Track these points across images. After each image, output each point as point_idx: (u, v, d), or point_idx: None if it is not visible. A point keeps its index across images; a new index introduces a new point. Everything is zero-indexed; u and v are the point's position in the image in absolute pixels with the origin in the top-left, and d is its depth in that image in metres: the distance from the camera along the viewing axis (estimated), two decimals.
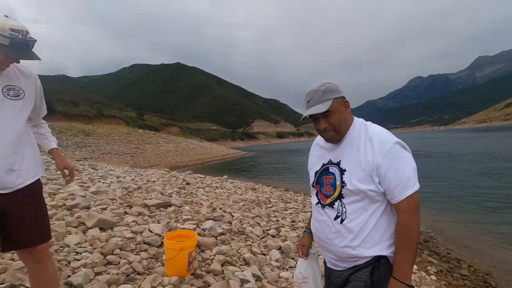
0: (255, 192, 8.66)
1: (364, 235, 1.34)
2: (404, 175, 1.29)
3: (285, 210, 6.76)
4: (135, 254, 2.88)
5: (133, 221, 3.61)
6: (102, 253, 2.75)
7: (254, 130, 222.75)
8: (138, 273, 2.58)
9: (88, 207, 3.79)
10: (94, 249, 2.83)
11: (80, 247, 2.85)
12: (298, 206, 7.41)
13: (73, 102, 56.43)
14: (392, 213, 1.37)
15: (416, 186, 1.30)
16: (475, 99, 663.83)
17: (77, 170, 7.01)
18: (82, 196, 4.23)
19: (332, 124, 1.38)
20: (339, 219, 1.37)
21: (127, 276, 2.47)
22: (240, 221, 4.72)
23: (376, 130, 1.39)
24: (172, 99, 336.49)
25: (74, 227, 3.20)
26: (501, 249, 5.62)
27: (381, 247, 1.34)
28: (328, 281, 1.54)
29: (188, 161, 29.41)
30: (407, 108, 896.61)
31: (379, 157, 1.30)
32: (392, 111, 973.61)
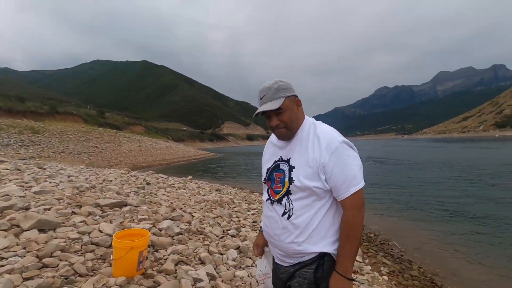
0: (219, 193, 8.59)
1: (309, 231, 1.36)
2: (350, 173, 1.32)
3: (248, 211, 6.75)
4: (79, 256, 2.68)
5: (81, 221, 3.38)
6: (37, 256, 2.49)
7: (224, 132, 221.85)
8: (80, 275, 2.40)
9: (26, 208, 3.44)
10: (28, 252, 2.54)
11: (9, 251, 2.52)
12: (261, 207, 7.41)
13: (19, 97, 52.65)
14: (338, 211, 1.40)
15: (361, 184, 1.34)
16: (436, 111, 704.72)
17: (18, 170, 6.46)
18: (20, 196, 3.85)
19: (284, 122, 1.41)
20: (286, 215, 1.39)
21: (66, 278, 2.28)
22: (200, 221, 4.64)
23: (324, 130, 1.42)
24: (138, 98, 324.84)
25: (3, 230, 2.85)
26: (450, 252, 5.97)
27: (326, 243, 1.38)
28: (275, 276, 1.58)
29: (152, 161, 28.64)
30: (373, 116, 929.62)
31: (325, 155, 1.33)
32: (359, 119, 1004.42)
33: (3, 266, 2.28)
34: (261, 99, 1.41)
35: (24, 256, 2.44)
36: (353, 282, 3.87)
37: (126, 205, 4.48)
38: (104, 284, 2.30)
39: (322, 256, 1.37)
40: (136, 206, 4.57)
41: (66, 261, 2.51)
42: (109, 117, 70.98)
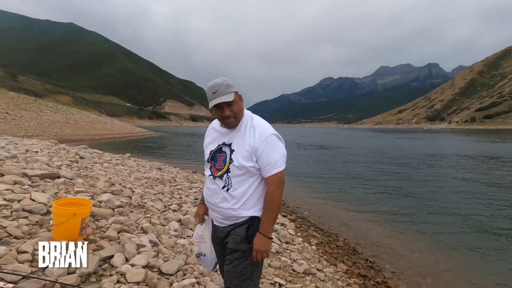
0: (161, 172, 8.51)
1: (243, 200, 1.73)
2: (274, 158, 1.68)
3: (190, 189, 6.86)
4: (11, 221, 2.61)
5: (6, 190, 3.22)
6: None
7: (166, 110, 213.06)
8: (15, 237, 2.37)
9: None
10: None
11: None
12: (203, 186, 7.50)
13: None
14: (265, 185, 1.75)
15: (281, 168, 1.70)
16: (375, 103, 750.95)
17: None
18: None
19: (234, 112, 1.71)
20: (225, 188, 1.74)
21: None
22: (141, 196, 4.66)
23: (259, 122, 1.77)
24: (63, 65, 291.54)
25: None
26: (372, 227, 6.85)
27: (256, 209, 1.75)
28: (214, 235, 1.92)
29: (82, 135, 26.92)
30: (317, 105, 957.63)
31: (258, 142, 1.68)
32: (304, 106, 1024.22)
33: None
34: (213, 93, 1.66)
35: None
36: (285, 249, 4.31)
37: (59, 177, 4.33)
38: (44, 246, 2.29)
39: (253, 219, 1.74)
40: (71, 179, 4.42)
41: None
42: (23, 81, 63.29)
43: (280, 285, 3.20)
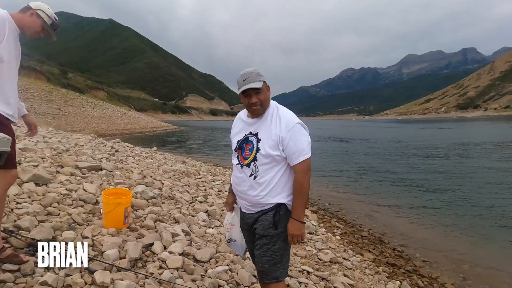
0: (185, 165, 8.86)
1: (270, 187, 1.82)
2: (300, 146, 1.76)
3: (213, 181, 7.16)
4: (73, 208, 2.97)
5: (66, 180, 3.61)
6: (41, 205, 2.79)
7: (187, 105, 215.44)
8: (78, 224, 2.71)
9: (19, 163, 3.64)
10: (33, 201, 2.84)
11: (19, 198, 2.85)
12: (225, 179, 7.87)
13: None
14: (291, 173, 1.85)
15: (308, 155, 1.78)
16: (400, 93, 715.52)
17: None
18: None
19: (261, 100, 1.79)
20: (252, 176, 1.84)
21: (69, 225, 2.61)
22: (170, 188, 4.96)
23: (284, 112, 1.86)
24: (102, 60, 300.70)
25: None
26: (398, 218, 6.91)
27: (282, 196, 1.84)
28: (242, 222, 2.04)
29: (114, 130, 27.92)
30: (337, 97, 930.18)
31: (284, 131, 1.76)
32: (323, 99, 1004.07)
33: (21, 209, 2.65)
34: (244, 80, 1.76)
35: (32, 204, 2.77)
36: (309, 239, 4.50)
37: (101, 169, 4.69)
38: (99, 232, 2.66)
39: (279, 205, 1.83)
40: (111, 171, 4.78)
41: (64, 212, 2.82)
42: (71, 78, 65.98)
43: (308, 272, 3.34)
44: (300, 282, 3.00)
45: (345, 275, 3.59)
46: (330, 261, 3.93)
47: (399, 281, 3.93)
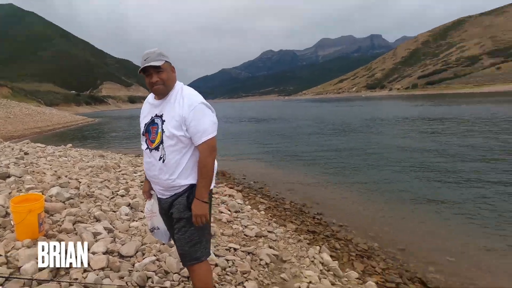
0: (104, 159, 8.40)
1: (180, 169, 1.82)
2: (203, 126, 1.76)
3: (135, 173, 6.94)
4: None
5: None
6: None
7: (103, 94, 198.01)
8: None
9: None
10: None
11: None
12: None
13: None
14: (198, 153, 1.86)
15: (211, 135, 1.79)
16: (316, 74, 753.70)
17: None
18: None
19: (162, 79, 1.78)
20: (161, 160, 1.82)
21: None
22: (88, 186, 4.70)
23: (188, 92, 1.85)
24: (2, 52, 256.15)
25: None
26: (314, 188, 7.59)
27: (193, 177, 1.85)
28: (160, 207, 2.04)
29: (23, 130, 24.95)
30: (257, 79, 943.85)
31: (187, 111, 1.75)
32: (244, 81, 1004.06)
33: None
34: (145, 60, 1.75)
35: None
36: (236, 218, 4.69)
37: (9, 176, 4.29)
38: (13, 247, 2.44)
39: (191, 186, 1.85)
40: (20, 177, 4.39)
41: None
42: None
43: (235, 249, 3.46)
44: (227, 260, 3.11)
45: (270, 247, 3.81)
46: (256, 236, 4.12)
47: (319, 246, 4.29)
